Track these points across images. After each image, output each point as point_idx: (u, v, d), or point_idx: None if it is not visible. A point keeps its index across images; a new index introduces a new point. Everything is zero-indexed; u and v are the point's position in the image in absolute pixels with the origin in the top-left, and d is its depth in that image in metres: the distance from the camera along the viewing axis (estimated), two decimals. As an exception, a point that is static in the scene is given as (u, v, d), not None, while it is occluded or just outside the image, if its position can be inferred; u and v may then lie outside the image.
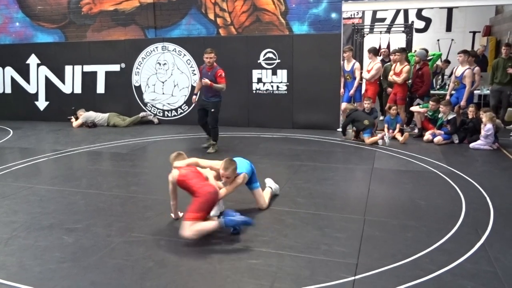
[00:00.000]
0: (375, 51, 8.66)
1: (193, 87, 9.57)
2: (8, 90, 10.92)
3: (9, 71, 10.83)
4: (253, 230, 3.76)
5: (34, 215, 4.26)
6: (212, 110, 6.82)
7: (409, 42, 11.77)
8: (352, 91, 8.41)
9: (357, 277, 2.97)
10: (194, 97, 7.33)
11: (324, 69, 8.59)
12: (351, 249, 3.39)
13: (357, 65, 8.39)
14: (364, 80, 8.63)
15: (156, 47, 9.64)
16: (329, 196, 4.74)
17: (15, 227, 3.97)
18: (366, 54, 10.51)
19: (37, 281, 2.98)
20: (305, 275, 3.01)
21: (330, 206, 4.41)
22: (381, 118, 9.13)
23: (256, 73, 9.09)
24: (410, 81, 8.47)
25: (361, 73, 8.43)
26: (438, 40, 13.56)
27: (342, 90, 8.64)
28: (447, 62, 10.96)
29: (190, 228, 3.49)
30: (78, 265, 3.23)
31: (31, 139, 8.41)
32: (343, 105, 8.60)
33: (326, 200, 4.58)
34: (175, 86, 9.71)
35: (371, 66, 8.36)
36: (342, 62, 8.55)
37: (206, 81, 6.62)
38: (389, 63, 9.01)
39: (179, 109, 9.80)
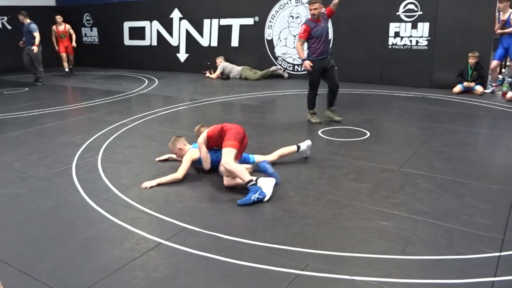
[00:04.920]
0: None
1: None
2: (155, 42, 11.94)
3: (156, 25, 11.78)
4: (383, 192, 3.63)
5: (176, 157, 4.67)
6: (336, 67, 5.88)
7: None
8: None
9: (502, 253, 2.68)
10: (307, 62, 5.70)
11: (474, 21, 7.63)
12: (497, 223, 3.06)
13: (516, 15, 7.28)
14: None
15: (290, 0, 9.53)
16: (471, 162, 4.31)
17: (161, 166, 4.41)
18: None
19: (179, 216, 3.29)
20: (441, 243, 2.81)
21: (472, 173, 4.02)
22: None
23: (393, 27, 8.47)
24: None
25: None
26: None
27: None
28: None
29: (230, 158, 3.63)
30: (215, 206, 3.48)
31: (173, 88, 9.16)
32: (494, 63, 7.63)
33: (467, 167, 4.18)
34: (306, 40, 9.56)
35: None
36: (497, 14, 7.50)
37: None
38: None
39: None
